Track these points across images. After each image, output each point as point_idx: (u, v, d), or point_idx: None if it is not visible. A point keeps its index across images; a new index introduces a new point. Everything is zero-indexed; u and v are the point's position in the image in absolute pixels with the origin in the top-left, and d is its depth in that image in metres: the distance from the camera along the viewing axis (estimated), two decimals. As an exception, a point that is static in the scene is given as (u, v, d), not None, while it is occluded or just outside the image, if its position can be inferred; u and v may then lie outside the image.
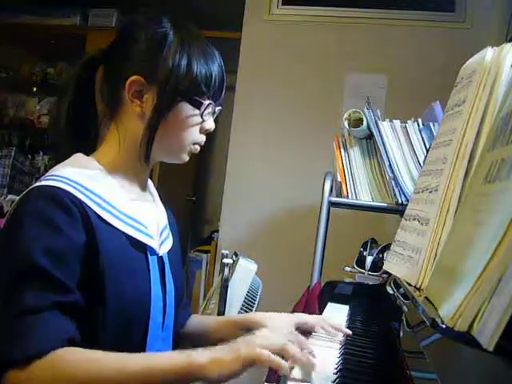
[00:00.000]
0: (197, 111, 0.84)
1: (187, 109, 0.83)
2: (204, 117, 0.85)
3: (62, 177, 0.75)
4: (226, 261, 1.45)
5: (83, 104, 0.88)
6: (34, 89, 3.43)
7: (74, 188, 0.74)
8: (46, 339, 0.64)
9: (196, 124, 0.86)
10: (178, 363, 0.65)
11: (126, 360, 0.66)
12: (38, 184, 0.75)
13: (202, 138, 0.89)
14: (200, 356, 0.65)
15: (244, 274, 1.49)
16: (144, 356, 0.71)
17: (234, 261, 1.51)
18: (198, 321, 1.03)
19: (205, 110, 0.84)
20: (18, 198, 0.76)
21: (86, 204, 0.75)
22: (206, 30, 2.60)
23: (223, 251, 1.55)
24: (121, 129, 0.86)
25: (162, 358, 0.67)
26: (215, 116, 0.91)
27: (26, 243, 0.68)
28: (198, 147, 0.89)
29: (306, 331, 0.94)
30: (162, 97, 0.81)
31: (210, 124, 0.88)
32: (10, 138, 3.47)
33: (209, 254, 3.07)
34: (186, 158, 0.89)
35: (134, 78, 0.81)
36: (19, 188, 2.96)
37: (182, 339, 1.00)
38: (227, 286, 1.43)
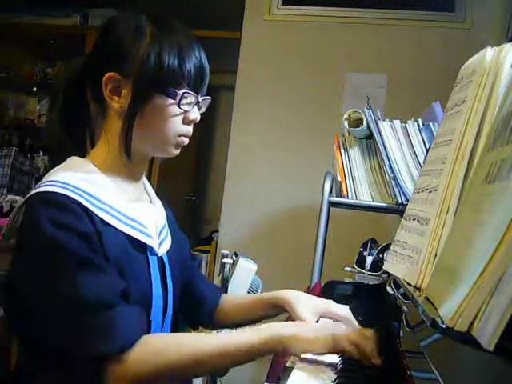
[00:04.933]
0: (173, 101, 0.82)
1: (163, 100, 0.82)
2: (182, 107, 0.83)
3: (61, 182, 0.76)
4: (225, 261, 1.45)
5: (76, 109, 0.89)
6: (34, 89, 3.43)
7: (74, 193, 0.75)
8: (132, 330, 0.69)
9: (175, 115, 0.84)
10: (263, 339, 0.71)
11: (212, 338, 0.74)
12: (38, 190, 0.75)
13: (187, 129, 0.86)
14: (285, 331, 0.72)
15: (244, 274, 1.49)
16: (232, 334, 0.78)
17: (234, 261, 1.51)
18: (230, 300, 1.06)
19: (181, 99, 0.82)
20: (20, 203, 0.77)
21: (87, 208, 0.75)
22: (206, 30, 2.62)
23: (223, 251, 1.55)
24: (106, 128, 0.86)
25: (249, 335, 0.73)
26: (205, 107, 0.90)
27: (61, 245, 0.70)
28: (184, 139, 0.87)
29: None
30: (135, 89, 0.81)
31: (194, 115, 0.86)
32: (10, 138, 3.47)
33: (209, 253, 3.07)
34: (174, 151, 0.87)
35: (108, 74, 0.81)
36: (19, 188, 2.96)
37: (216, 319, 1.03)
38: (227, 286, 1.43)
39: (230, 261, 1.47)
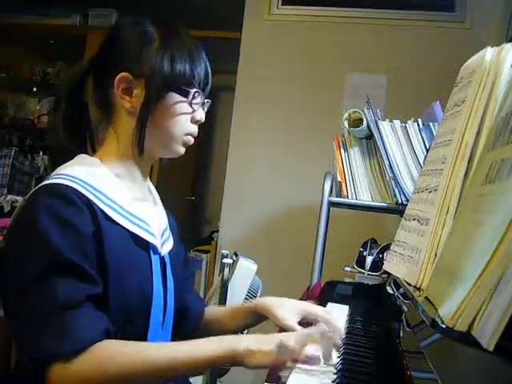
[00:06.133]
0: (185, 99, 0.86)
1: (175, 98, 0.85)
2: (193, 105, 0.87)
3: (69, 175, 0.77)
4: (225, 261, 1.45)
5: (78, 113, 0.91)
6: (34, 89, 3.42)
7: (81, 186, 0.76)
8: (87, 333, 0.67)
9: (185, 113, 0.87)
10: (220, 354, 0.69)
11: (167, 349, 0.71)
12: (46, 182, 0.76)
13: (195, 129, 0.90)
14: (240, 347, 0.70)
15: (244, 274, 1.49)
16: (185, 345, 0.73)
17: (234, 261, 1.51)
18: (212, 311, 1.05)
19: (193, 98, 0.86)
20: (27, 195, 0.77)
21: (92, 201, 0.77)
22: (206, 30, 2.63)
23: (223, 251, 1.55)
24: (116, 129, 0.88)
25: (204, 347, 0.71)
26: (206, 109, 0.93)
27: (47, 240, 0.70)
28: (191, 138, 0.90)
29: (309, 322, 0.94)
30: (149, 89, 0.84)
31: (200, 114, 0.89)
32: (10, 138, 3.47)
33: (209, 253, 3.07)
34: (181, 149, 0.90)
35: (121, 74, 0.84)
36: (19, 188, 2.96)
37: (199, 329, 1.02)
38: (227, 286, 1.43)
39: (230, 261, 1.46)
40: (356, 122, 1.51)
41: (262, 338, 0.73)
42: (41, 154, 3.34)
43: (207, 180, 3.74)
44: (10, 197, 2.53)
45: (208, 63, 0.89)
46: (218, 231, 2.69)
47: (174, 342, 0.75)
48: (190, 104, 0.86)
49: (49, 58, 3.35)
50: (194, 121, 0.89)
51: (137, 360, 0.68)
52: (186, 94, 0.85)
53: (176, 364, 0.69)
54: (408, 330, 0.73)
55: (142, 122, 0.84)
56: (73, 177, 0.77)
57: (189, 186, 3.62)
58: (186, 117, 0.87)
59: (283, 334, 0.77)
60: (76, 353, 0.65)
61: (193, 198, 3.59)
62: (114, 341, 0.69)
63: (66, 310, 0.67)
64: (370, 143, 1.55)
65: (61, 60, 3.32)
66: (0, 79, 3.31)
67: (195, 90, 0.86)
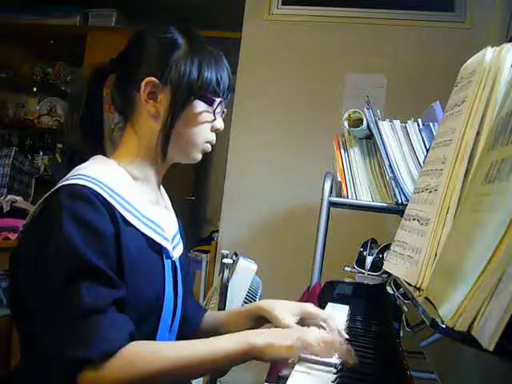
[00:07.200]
0: (209, 108, 0.87)
1: (200, 106, 0.86)
2: (216, 114, 0.88)
3: (89, 177, 0.77)
4: (225, 261, 1.45)
5: (95, 113, 0.91)
6: (34, 89, 3.43)
7: (101, 188, 0.76)
8: (114, 337, 0.67)
9: (208, 121, 0.88)
10: (238, 348, 0.71)
11: (192, 347, 0.72)
12: (66, 182, 0.76)
13: (213, 137, 0.91)
14: (258, 340, 0.72)
15: (244, 274, 1.48)
16: (208, 342, 0.75)
17: (234, 261, 1.51)
18: (210, 317, 1.05)
19: (217, 107, 0.87)
20: (45, 195, 0.77)
21: (111, 204, 0.77)
22: (206, 30, 2.61)
23: (223, 251, 1.55)
24: (137, 131, 0.88)
25: (224, 344, 0.73)
26: (223, 116, 0.94)
27: (72, 244, 0.69)
28: (210, 146, 0.91)
29: (306, 323, 0.93)
30: (176, 96, 0.84)
31: (220, 123, 0.91)
32: (10, 138, 3.47)
33: (209, 253, 3.07)
34: (199, 156, 0.92)
35: (148, 79, 0.84)
36: (19, 188, 2.96)
37: (197, 335, 1.01)
38: (227, 286, 1.43)
39: (230, 261, 1.46)
40: (356, 122, 1.50)
41: (278, 331, 0.78)
42: (41, 153, 3.34)
43: (207, 180, 3.74)
44: (9, 197, 2.53)
45: (230, 71, 0.90)
46: (218, 231, 2.69)
47: (191, 341, 0.75)
48: (214, 113, 0.87)
49: (49, 57, 3.36)
50: (214, 129, 0.90)
51: (160, 360, 0.68)
52: (211, 103, 0.86)
53: (196, 362, 0.70)
54: (408, 329, 0.73)
55: (168, 128, 0.85)
56: (92, 178, 0.77)
57: (189, 186, 3.62)
58: (207, 125, 0.88)
59: (298, 328, 0.82)
60: (105, 358, 0.65)
61: (193, 198, 3.59)
62: (139, 342, 0.70)
63: (92, 316, 0.66)
64: (369, 143, 1.55)
65: (61, 60, 3.32)
66: (0, 79, 3.31)
67: (220, 99, 0.87)
